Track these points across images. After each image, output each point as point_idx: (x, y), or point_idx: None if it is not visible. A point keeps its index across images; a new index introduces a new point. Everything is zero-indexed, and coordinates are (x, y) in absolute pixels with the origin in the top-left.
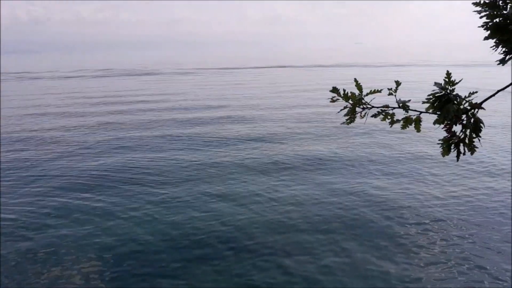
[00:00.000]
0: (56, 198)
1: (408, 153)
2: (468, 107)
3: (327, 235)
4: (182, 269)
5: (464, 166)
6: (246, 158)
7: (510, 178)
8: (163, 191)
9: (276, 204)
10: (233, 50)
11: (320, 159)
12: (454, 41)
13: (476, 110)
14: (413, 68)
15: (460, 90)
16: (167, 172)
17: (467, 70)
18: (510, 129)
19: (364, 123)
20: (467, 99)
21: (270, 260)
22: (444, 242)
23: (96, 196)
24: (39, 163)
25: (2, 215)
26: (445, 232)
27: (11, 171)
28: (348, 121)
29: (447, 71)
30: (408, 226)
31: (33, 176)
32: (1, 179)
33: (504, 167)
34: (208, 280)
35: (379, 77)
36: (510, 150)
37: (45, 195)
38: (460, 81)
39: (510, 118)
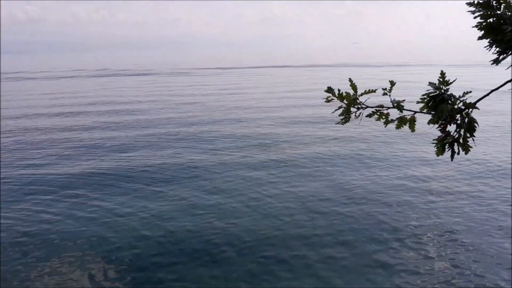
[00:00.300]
0: (57, 198)
1: (407, 151)
2: (462, 107)
3: (326, 230)
4: (183, 265)
5: (463, 165)
6: (245, 156)
7: (509, 177)
8: (163, 189)
9: (276, 200)
10: (230, 51)
11: (318, 157)
12: (450, 41)
13: (470, 110)
14: (410, 68)
15: (455, 90)
16: (167, 170)
17: (464, 70)
18: (510, 129)
19: (359, 123)
20: (461, 99)
21: (271, 256)
22: (443, 239)
23: (95, 194)
24: (39, 162)
25: (3, 214)
26: (444, 229)
27: (11, 171)
28: (343, 121)
29: (441, 71)
30: (408, 222)
31: (33, 176)
32: (2, 180)
33: (499, 166)
34: (207, 276)
35: (376, 77)
36: (510, 150)
37: (46, 194)
38: (454, 81)
39: (510, 117)
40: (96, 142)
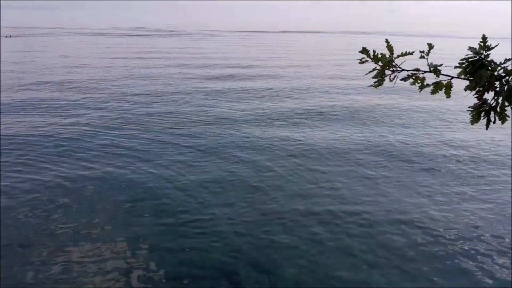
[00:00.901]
0: (100, 153)
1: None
2: (503, 74)
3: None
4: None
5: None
6: (283, 119)
7: None
8: (195, 144)
9: (311, 162)
10: (261, 15)
11: (356, 125)
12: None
13: (511, 77)
14: (447, 39)
15: (495, 59)
16: (200, 127)
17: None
18: None
19: (393, 87)
20: (502, 66)
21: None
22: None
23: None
24: (74, 112)
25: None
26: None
27: (43, 125)
28: (376, 84)
29: (483, 35)
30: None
31: (56, 144)
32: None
33: None
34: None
35: (412, 47)
36: None
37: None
38: (496, 45)
39: None
40: (128, 97)
